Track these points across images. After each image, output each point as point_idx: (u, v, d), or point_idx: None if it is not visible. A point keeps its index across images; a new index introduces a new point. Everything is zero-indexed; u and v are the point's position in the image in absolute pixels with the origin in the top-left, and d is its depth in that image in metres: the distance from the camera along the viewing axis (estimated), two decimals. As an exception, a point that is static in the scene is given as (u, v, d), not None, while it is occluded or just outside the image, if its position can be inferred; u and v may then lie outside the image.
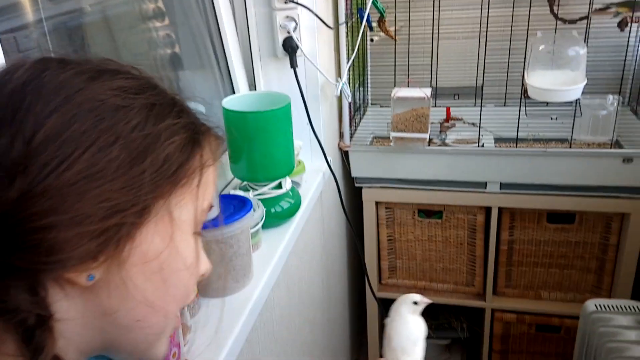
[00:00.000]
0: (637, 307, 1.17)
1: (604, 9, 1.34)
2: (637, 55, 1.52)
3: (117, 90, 0.37)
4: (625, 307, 1.17)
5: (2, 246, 0.31)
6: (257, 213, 0.91)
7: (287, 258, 1.01)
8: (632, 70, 1.52)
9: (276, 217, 1.00)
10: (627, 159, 1.32)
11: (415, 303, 0.83)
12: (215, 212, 0.79)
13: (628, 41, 1.44)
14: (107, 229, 0.34)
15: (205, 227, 0.77)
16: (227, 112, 0.94)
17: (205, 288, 0.81)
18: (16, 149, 0.32)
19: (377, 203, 1.59)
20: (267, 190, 1.00)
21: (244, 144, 0.94)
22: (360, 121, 1.67)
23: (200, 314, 0.79)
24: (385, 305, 1.76)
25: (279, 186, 1.02)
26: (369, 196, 1.58)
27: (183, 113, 0.41)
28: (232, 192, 0.98)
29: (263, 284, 0.85)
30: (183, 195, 0.40)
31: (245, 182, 1.03)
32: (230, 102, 0.98)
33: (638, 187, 1.35)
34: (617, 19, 1.32)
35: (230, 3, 1.19)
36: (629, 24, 1.27)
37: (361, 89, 1.71)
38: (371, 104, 1.81)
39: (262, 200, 0.99)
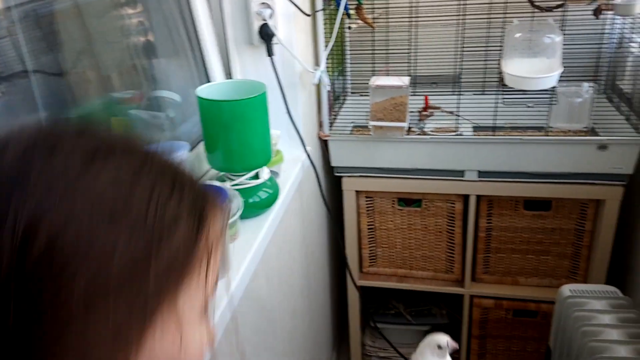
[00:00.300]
0: (611, 291, 1.20)
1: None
2: (612, 42, 1.54)
3: (113, 183, 0.33)
4: (599, 291, 1.20)
5: None
6: (234, 204, 0.90)
7: (266, 248, 1.00)
8: (607, 57, 1.54)
9: (254, 207, 0.99)
10: (602, 146, 1.34)
11: (440, 347, 0.80)
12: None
13: (603, 28, 1.46)
14: (113, 351, 0.32)
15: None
16: (202, 101, 0.93)
17: (182, 280, 0.80)
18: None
19: (357, 192, 1.59)
20: (245, 181, 0.99)
21: (220, 133, 0.93)
22: (340, 110, 1.67)
23: (176, 306, 0.78)
24: (366, 293, 1.77)
25: (257, 176, 1.01)
26: (349, 185, 1.57)
27: (184, 186, 0.37)
28: (209, 182, 0.97)
29: (241, 274, 0.85)
30: (190, 287, 0.36)
31: (222, 173, 1.02)
32: (205, 91, 0.96)
33: (612, 174, 1.37)
34: (593, 7, 1.32)
35: (204, -10, 1.16)
36: (604, 12, 1.28)
37: (341, 77, 1.70)
38: (351, 92, 1.81)
39: (239, 190, 0.97)
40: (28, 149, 0.33)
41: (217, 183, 0.97)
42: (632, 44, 1.42)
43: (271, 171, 1.12)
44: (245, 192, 0.98)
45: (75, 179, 0.32)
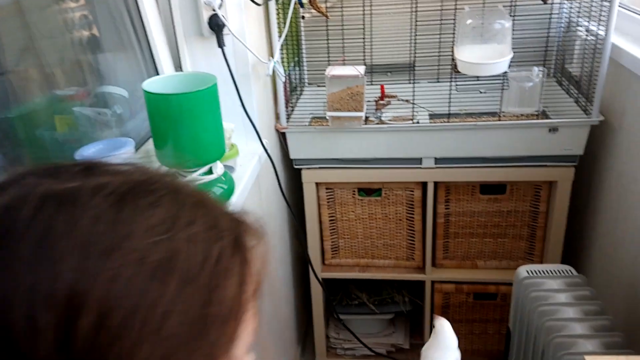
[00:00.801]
0: (566, 270, 1.23)
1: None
2: (560, 27, 1.57)
3: (152, 234, 0.30)
4: (554, 271, 1.23)
5: None
6: (187, 200, 0.87)
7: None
8: (556, 42, 1.58)
9: (209, 203, 0.97)
10: (553, 129, 1.37)
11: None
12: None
13: (550, 14, 1.49)
14: None
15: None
16: (149, 95, 0.89)
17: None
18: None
19: (317, 184, 1.57)
20: (197, 177, 0.96)
21: (169, 129, 0.90)
22: (297, 102, 1.65)
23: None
24: (329, 286, 1.77)
25: (210, 171, 0.98)
26: (309, 177, 1.56)
27: (222, 222, 0.34)
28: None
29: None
30: (243, 329, 0.34)
31: (173, 169, 0.98)
32: (152, 85, 0.92)
33: (564, 156, 1.41)
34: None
35: (149, -21, 1.12)
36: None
37: (297, 68, 1.68)
38: (308, 84, 1.79)
39: (192, 186, 0.94)
40: (41, 205, 0.29)
41: (169, 180, 0.94)
42: (579, 28, 1.45)
43: (226, 166, 1.10)
44: (199, 188, 0.95)
45: (110, 237, 0.29)
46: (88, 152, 0.72)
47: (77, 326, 0.27)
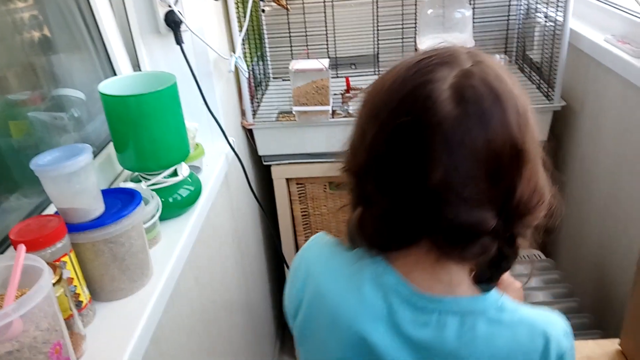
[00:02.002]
0: (535, 255, 1.25)
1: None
2: (519, 13, 1.59)
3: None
4: (523, 256, 1.25)
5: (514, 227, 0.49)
6: (151, 205, 0.84)
7: (193, 248, 0.95)
8: (516, 29, 1.59)
9: (175, 206, 0.94)
10: (517, 116, 1.38)
11: None
12: (99, 209, 0.73)
13: (509, 1, 1.50)
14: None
15: (90, 226, 0.70)
16: (106, 98, 0.86)
17: (99, 292, 0.74)
18: None
19: (287, 180, 1.56)
20: (162, 179, 0.93)
21: (129, 131, 0.87)
22: (262, 97, 1.62)
23: (95, 321, 0.73)
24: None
25: (175, 173, 0.96)
26: (279, 173, 1.54)
27: None
28: (122, 184, 0.91)
29: (164, 280, 0.80)
30: None
31: (136, 173, 0.95)
32: (108, 86, 0.89)
33: (528, 142, 1.43)
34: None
35: (101, -24, 1.08)
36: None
37: (260, 63, 1.65)
38: (273, 78, 1.77)
39: (156, 190, 0.92)
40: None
41: (131, 184, 0.91)
42: (538, 14, 1.47)
43: (191, 166, 1.07)
44: (163, 192, 0.93)
45: None
46: (44, 160, 0.68)
47: None
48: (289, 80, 1.72)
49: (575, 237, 1.41)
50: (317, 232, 1.67)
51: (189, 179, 0.98)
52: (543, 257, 1.25)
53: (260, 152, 1.52)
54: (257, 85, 1.60)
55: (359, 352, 0.51)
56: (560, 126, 1.45)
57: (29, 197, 0.89)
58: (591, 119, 1.31)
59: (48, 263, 0.63)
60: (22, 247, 0.56)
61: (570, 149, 1.43)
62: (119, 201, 0.76)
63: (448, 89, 0.45)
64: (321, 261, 0.57)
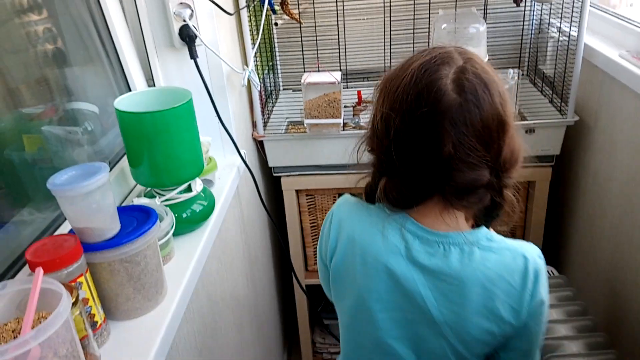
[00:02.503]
0: (548, 271, 1.24)
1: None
2: (531, 27, 1.58)
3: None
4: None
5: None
6: (165, 222, 0.84)
7: (206, 264, 0.95)
8: (528, 42, 1.59)
9: (188, 222, 0.94)
10: (530, 130, 1.38)
11: None
12: (115, 228, 0.72)
13: (524, 15, 1.49)
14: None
15: (106, 246, 0.70)
16: (121, 114, 0.86)
17: (114, 311, 0.74)
18: None
19: (297, 191, 1.56)
20: (176, 195, 0.93)
21: (144, 147, 0.87)
22: (273, 108, 1.62)
23: (110, 341, 0.72)
24: (312, 293, 1.75)
25: (189, 189, 0.95)
26: (289, 185, 1.54)
27: None
28: (135, 200, 0.90)
29: (179, 297, 0.79)
30: None
31: (149, 188, 0.95)
32: (124, 102, 0.89)
33: (541, 156, 1.42)
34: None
35: (116, -10, 1.08)
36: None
37: (271, 74, 1.65)
38: (283, 88, 1.77)
39: (170, 206, 0.92)
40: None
41: (144, 200, 0.91)
42: (551, 28, 1.46)
43: (204, 180, 1.07)
44: (177, 207, 0.92)
45: None
46: (60, 179, 0.68)
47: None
48: (298, 91, 1.72)
49: (587, 253, 1.40)
50: (326, 243, 1.67)
51: (202, 194, 0.97)
52: (556, 273, 1.23)
53: (271, 164, 1.51)
54: (268, 97, 1.60)
55: (384, 280, 0.67)
56: (573, 141, 1.44)
57: (42, 212, 0.89)
58: (605, 135, 1.30)
59: (64, 284, 0.62)
60: (40, 271, 0.56)
61: (583, 164, 1.42)
62: (135, 219, 0.75)
63: (451, 82, 0.61)
64: (351, 215, 0.73)
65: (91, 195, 0.67)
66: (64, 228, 0.83)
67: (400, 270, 0.66)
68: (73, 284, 0.65)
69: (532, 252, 0.68)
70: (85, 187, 0.66)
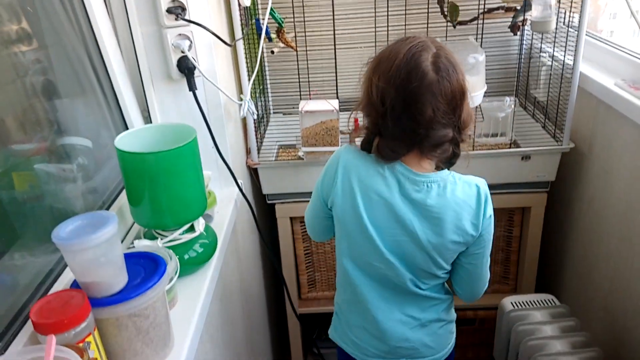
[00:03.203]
0: (549, 300, 1.24)
1: (493, 10, 1.38)
2: (521, 53, 1.60)
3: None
4: (538, 301, 1.23)
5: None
6: (170, 267, 0.80)
7: (210, 307, 0.91)
8: (517, 69, 1.60)
9: (192, 264, 0.90)
10: (525, 157, 1.38)
11: None
12: (123, 280, 0.68)
13: (523, 43, 1.51)
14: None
15: (114, 301, 0.66)
16: (122, 154, 0.82)
17: (119, 367, 0.70)
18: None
19: (291, 218, 1.53)
20: (178, 236, 0.89)
21: (146, 188, 0.83)
22: (265, 132, 1.59)
23: (116, 399, 0.68)
24: (305, 321, 1.71)
25: (191, 228, 0.92)
26: (283, 212, 1.51)
27: None
28: (136, 243, 0.86)
29: (187, 348, 0.75)
30: None
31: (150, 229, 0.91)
32: (124, 141, 0.85)
33: (536, 182, 1.42)
34: (509, 22, 1.36)
35: (110, 21, 1.04)
36: (521, 28, 1.32)
37: (262, 97, 1.63)
38: (273, 112, 1.74)
39: (172, 247, 0.88)
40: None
41: (146, 242, 0.87)
42: (542, 54, 1.48)
43: (204, 216, 1.03)
44: (179, 249, 0.89)
45: None
46: (65, 231, 0.64)
47: None
48: (289, 114, 1.70)
49: (583, 278, 1.41)
50: (320, 271, 1.64)
51: (204, 232, 0.94)
52: (557, 302, 1.23)
53: (265, 191, 1.48)
54: (259, 122, 1.57)
55: (383, 211, 0.87)
56: (567, 167, 1.46)
57: (35, 256, 0.84)
58: (600, 162, 1.31)
59: (73, 346, 0.58)
60: (53, 340, 0.52)
61: (578, 190, 1.43)
62: (142, 268, 0.72)
63: (430, 64, 0.81)
64: (355, 160, 0.90)
65: (99, 248, 0.63)
66: (65, 277, 0.79)
67: (396, 203, 0.86)
68: (81, 344, 0.61)
69: (480, 181, 0.89)
70: (93, 240, 0.62)
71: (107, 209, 0.97)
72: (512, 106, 1.33)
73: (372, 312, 0.94)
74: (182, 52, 1.03)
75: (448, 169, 0.90)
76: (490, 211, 0.89)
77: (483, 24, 1.32)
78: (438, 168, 0.90)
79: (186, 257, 0.89)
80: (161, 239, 0.88)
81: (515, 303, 1.23)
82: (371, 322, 0.96)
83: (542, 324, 1.15)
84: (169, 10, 1.00)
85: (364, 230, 0.89)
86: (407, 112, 0.81)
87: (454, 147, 0.86)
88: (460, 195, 0.86)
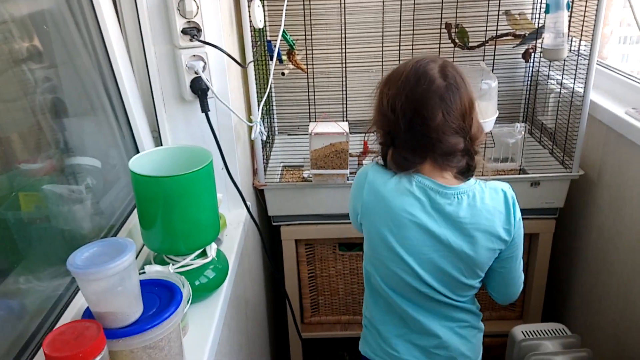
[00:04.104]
0: (559, 330, 1.22)
1: (503, 36, 1.39)
2: (529, 79, 1.61)
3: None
4: (549, 331, 1.21)
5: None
6: (184, 294, 0.78)
7: (220, 335, 0.88)
8: (526, 95, 1.61)
9: (202, 290, 0.88)
10: (535, 183, 1.38)
11: None
12: (139, 310, 0.66)
13: (532, 69, 1.51)
14: None
15: (129, 333, 0.63)
16: (137, 177, 0.80)
17: (130, 400, 0.67)
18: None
19: (296, 241, 1.50)
20: (190, 261, 0.86)
21: (159, 212, 0.81)
22: (270, 153, 1.58)
23: None
24: (307, 347, 1.68)
25: (203, 253, 0.89)
26: (288, 234, 1.49)
27: None
28: (147, 269, 0.84)
29: (199, 380, 0.73)
30: None
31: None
32: (138, 163, 0.83)
33: (545, 209, 1.42)
34: (520, 49, 1.37)
35: (124, 40, 1.03)
36: (533, 54, 1.32)
37: (267, 117, 1.62)
38: (278, 132, 1.73)
39: (183, 273, 0.85)
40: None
41: (157, 268, 0.84)
42: (550, 81, 1.48)
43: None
44: (190, 275, 0.86)
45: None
46: (81, 259, 0.62)
47: None
48: (294, 134, 1.69)
49: (592, 306, 1.39)
50: (324, 295, 1.62)
51: (216, 257, 0.91)
52: (568, 332, 1.21)
53: (271, 213, 1.46)
54: (265, 142, 1.55)
55: (414, 229, 0.87)
56: (576, 194, 1.45)
57: (41, 280, 0.81)
58: (610, 190, 1.30)
59: (88, 382, 0.56)
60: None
61: (587, 217, 1.42)
62: (157, 297, 0.69)
63: (438, 72, 0.83)
64: (381, 178, 0.89)
65: (117, 277, 0.61)
66: (76, 303, 0.76)
67: (428, 220, 0.86)
68: (95, 379, 0.58)
69: (504, 185, 0.90)
70: (110, 269, 0.60)
71: (117, 231, 0.95)
72: (523, 132, 1.33)
73: (411, 315, 0.93)
74: (196, 72, 1.02)
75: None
76: (519, 213, 0.89)
77: (495, 49, 1.32)
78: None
79: (197, 283, 0.87)
80: (173, 264, 0.85)
81: (526, 332, 1.21)
82: (412, 324, 0.94)
83: (555, 354, 1.13)
84: (184, 31, 0.99)
85: (395, 254, 0.89)
86: (417, 116, 0.83)
87: (468, 159, 0.87)
88: (489, 203, 0.86)
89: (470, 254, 0.87)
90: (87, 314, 0.66)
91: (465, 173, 0.88)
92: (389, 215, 0.87)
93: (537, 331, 1.21)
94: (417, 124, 0.83)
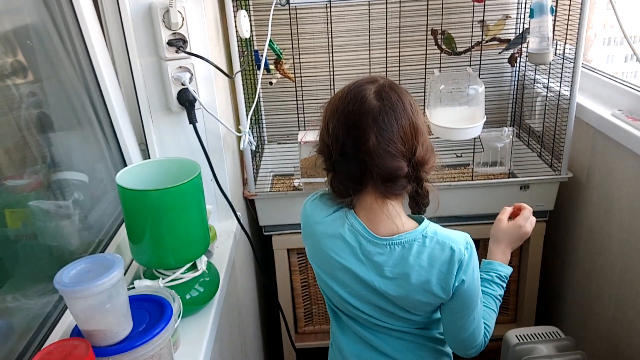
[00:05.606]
0: (553, 333, 1.22)
1: (489, 41, 1.40)
2: (515, 83, 1.62)
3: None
4: (543, 334, 1.21)
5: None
6: (174, 309, 0.77)
7: (212, 349, 0.87)
8: (513, 99, 1.62)
9: (193, 304, 0.87)
10: (524, 186, 1.38)
11: None
12: (128, 327, 0.65)
13: (518, 73, 1.52)
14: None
15: (119, 350, 0.62)
16: (124, 192, 0.79)
17: (121, 419, 0.65)
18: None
19: (288, 250, 1.50)
20: (180, 275, 0.86)
21: (148, 226, 0.80)
22: (260, 162, 1.57)
23: None
24: (302, 356, 1.66)
25: (193, 266, 0.88)
26: (280, 244, 1.48)
27: None
28: (136, 284, 0.83)
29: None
30: None
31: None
32: (125, 177, 0.82)
33: (535, 212, 1.41)
34: (507, 54, 1.38)
35: (109, 53, 1.02)
36: (518, 59, 1.33)
37: (256, 127, 1.61)
38: (267, 142, 1.73)
39: (173, 287, 0.84)
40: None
41: (147, 282, 0.83)
42: (537, 85, 1.50)
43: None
44: (180, 288, 0.85)
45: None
46: (68, 276, 0.61)
47: None
48: (283, 143, 1.69)
49: (585, 308, 1.40)
50: (317, 304, 1.61)
51: (206, 270, 0.91)
52: (562, 335, 1.21)
53: (262, 223, 1.45)
54: (255, 152, 1.55)
55: (345, 274, 0.83)
56: (565, 197, 1.46)
57: (29, 298, 0.80)
58: (599, 192, 1.31)
59: (76, 402, 0.55)
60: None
61: (576, 219, 1.43)
62: (146, 313, 0.68)
63: (373, 93, 0.78)
64: (316, 215, 0.86)
65: (104, 294, 0.60)
66: (65, 321, 0.75)
67: (355, 266, 0.82)
68: (84, 399, 0.57)
69: (459, 243, 0.80)
70: (98, 286, 0.59)
71: (105, 246, 0.93)
72: (511, 136, 1.34)
73: (364, 335, 0.89)
74: (183, 84, 1.01)
75: (420, 213, 0.85)
76: (464, 276, 0.79)
77: (481, 54, 1.33)
78: (413, 209, 0.85)
79: (187, 297, 0.86)
80: (162, 279, 0.84)
81: (520, 336, 1.21)
82: (366, 342, 0.89)
83: (549, 357, 1.13)
84: (169, 43, 0.99)
85: (331, 288, 0.87)
86: (349, 138, 0.77)
87: (416, 185, 0.80)
88: (425, 259, 0.78)
89: (401, 301, 0.82)
90: (76, 332, 0.65)
91: (418, 201, 0.83)
92: (319, 254, 0.84)
93: (531, 335, 1.21)
94: (350, 146, 0.77)
